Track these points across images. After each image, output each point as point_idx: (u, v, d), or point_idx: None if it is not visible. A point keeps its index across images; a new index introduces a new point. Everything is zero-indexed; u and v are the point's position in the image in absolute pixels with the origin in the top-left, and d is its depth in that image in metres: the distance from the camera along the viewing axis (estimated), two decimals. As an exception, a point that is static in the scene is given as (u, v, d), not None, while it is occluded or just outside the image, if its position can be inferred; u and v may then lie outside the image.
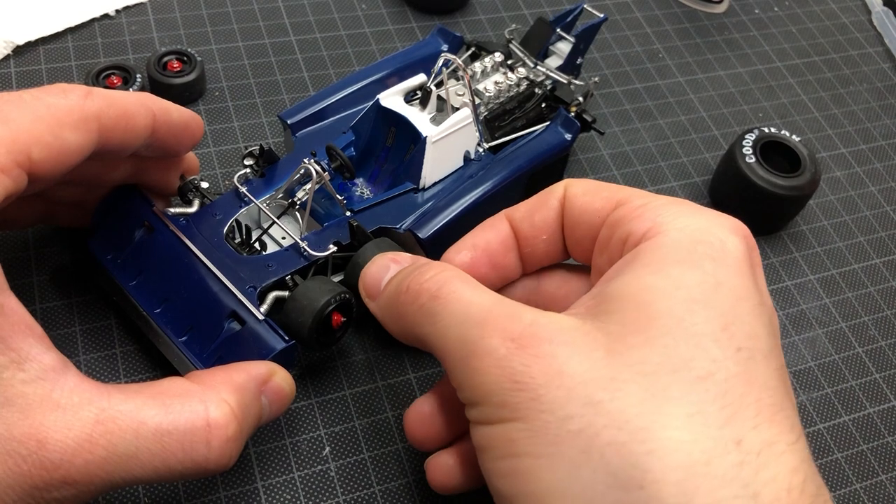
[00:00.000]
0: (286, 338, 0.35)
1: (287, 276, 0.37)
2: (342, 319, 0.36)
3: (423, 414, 0.34)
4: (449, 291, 0.30)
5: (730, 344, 0.27)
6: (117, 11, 0.52)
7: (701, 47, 0.60)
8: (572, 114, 0.46)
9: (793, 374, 0.44)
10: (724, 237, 0.29)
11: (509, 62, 0.48)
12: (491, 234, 0.35)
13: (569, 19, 0.50)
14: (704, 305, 0.27)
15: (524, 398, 0.27)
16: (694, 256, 0.29)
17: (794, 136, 0.49)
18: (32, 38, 0.49)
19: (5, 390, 0.26)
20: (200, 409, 0.29)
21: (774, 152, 0.48)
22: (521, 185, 0.44)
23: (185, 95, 0.48)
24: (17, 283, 0.30)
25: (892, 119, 0.59)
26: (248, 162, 0.41)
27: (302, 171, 0.39)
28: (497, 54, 0.47)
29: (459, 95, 0.43)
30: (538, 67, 0.48)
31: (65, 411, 0.27)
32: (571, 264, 0.36)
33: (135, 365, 0.38)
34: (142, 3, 0.53)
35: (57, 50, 0.50)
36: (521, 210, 0.35)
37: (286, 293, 0.37)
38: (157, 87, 0.47)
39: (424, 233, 0.40)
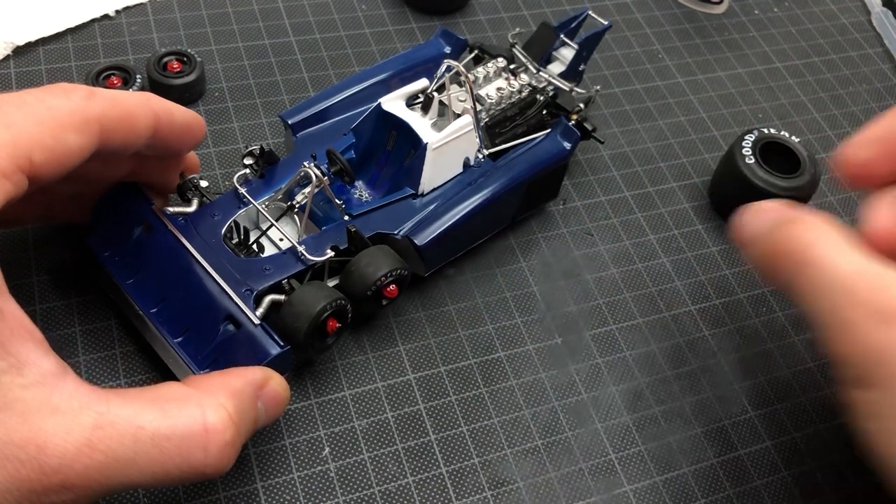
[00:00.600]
0: (281, 343, 0.35)
1: (284, 279, 0.37)
2: (337, 325, 0.37)
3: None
4: (815, 257, 0.31)
5: None
6: (117, 12, 0.52)
7: (700, 48, 0.60)
8: (573, 121, 0.46)
9: (792, 374, 0.44)
10: None
11: (512, 67, 0.47)
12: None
13: (573, 25, 0.50)
14: None
15: (885, 373, 0.28)
16: None
17: (793, 137, 0.49)
18: (32, 38, 0.49)
19: (4, 395, 0.26)
20: (198, 413, 0.29)
21: (774, 153, 0.48)
22: (520, 193, 0.44)
23: (184, 96, 0.48)
24: (17, 283, 0.30)
25: (891, 120, 0.59)
26: (248, 161, 0.41)
27: (302, 174, 0.39)
28: (500, 59, 0.47)
29: (461, 101, 0.43)
30: (540, 73, 0.48)
31: (64, 416, 0.27)
32: None
33: (134, 365, 0.38)
34: (142, 4, 0.53)
35: (57, 50, 0.50)
36: None
37: (282, 297, 0.37)
38: (156, 88, 0.47)
39: (421, 240, 0.40)
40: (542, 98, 0.47)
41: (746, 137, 0.48)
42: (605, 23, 0.50)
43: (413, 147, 0.42)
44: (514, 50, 0.48)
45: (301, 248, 0.38)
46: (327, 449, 0.37)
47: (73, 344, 0.38)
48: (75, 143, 0.30)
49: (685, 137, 0.54)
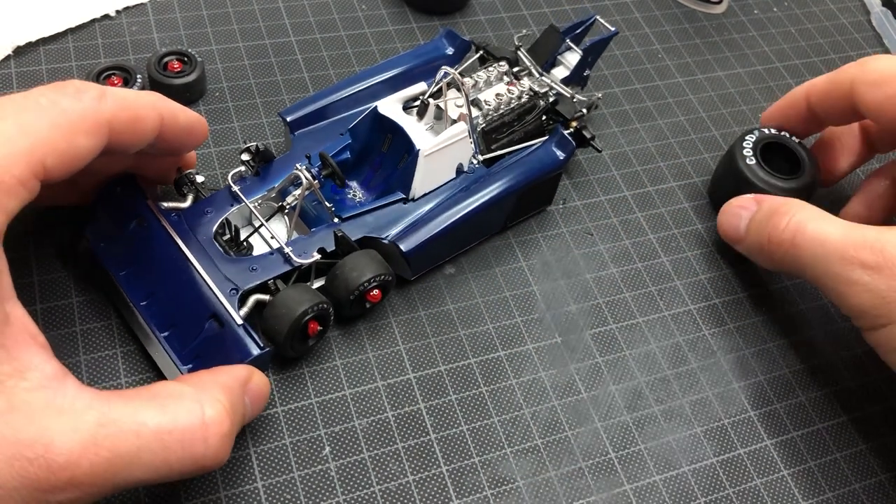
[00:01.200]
0: (261, 344, 0.36)
1: (270, 280, 0.38)
2: (318, 328, 0.38)
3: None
4: (804, 239, 0.39)
5: None
6: (118, 12, 0.52)
7: (700, 48, 0.60)
8: (572, 128, 0.46)
9: (792, 373, 0.44)
10: None
11: (515, 70, 0.47)
12: (787, 105, 0.48)
13: (579, 30, 0.50)
14: None
15: (892, 309, 0.36)
16: None
17: (793, 138, 0.49)
18: (33, 38, 0.49)
19: (10, 397, 0.27)
20: (196, 408, 0.30)
21: (774, 153, 0.48)
22: (511, 201, 0.44)
23: (185, 96, 0.48)
24: (18, 283, 0.30)
25: (891, 119, 0.59)
26: (245, 157, 0.42)
27: (293, 175, 0.40)
28: (501, 63, 0.47)
29: (458, 107, 0.43)
30: (543, 78, 0.47)
31: (69, 416, 0.28)
32: None
33: (134, 365, 0.38)
34: (142, 4, 0.53)
35: (57, 50, 0.50)
36: (818, 88, 0.46)
37: (267, 297, 0.37)
38: (157, 88, 0.47)
39: (407, 245, 0.40)
40: (542, 104, 0.47)
41: (747, 137, 0.48)
42: (613, 29, 0.50)
43: (407, 151, 0.42)
44: (518, 53, 0.48)
45: (288, 250, 0.38)
46: (328, 448, 0.37)
47: (73, 344, 0.38)
48: (86, 146, 0.30)
49: (685, 137, 0.54)
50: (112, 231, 0.38)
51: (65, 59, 0.49)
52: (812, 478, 0.40)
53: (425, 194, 0.42)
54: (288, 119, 0.44)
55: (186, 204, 0.40)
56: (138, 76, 0.47)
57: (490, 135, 0.45)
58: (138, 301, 0.37)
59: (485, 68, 0.47)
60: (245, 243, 0.40)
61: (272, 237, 0.40)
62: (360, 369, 0.40)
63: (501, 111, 0.45)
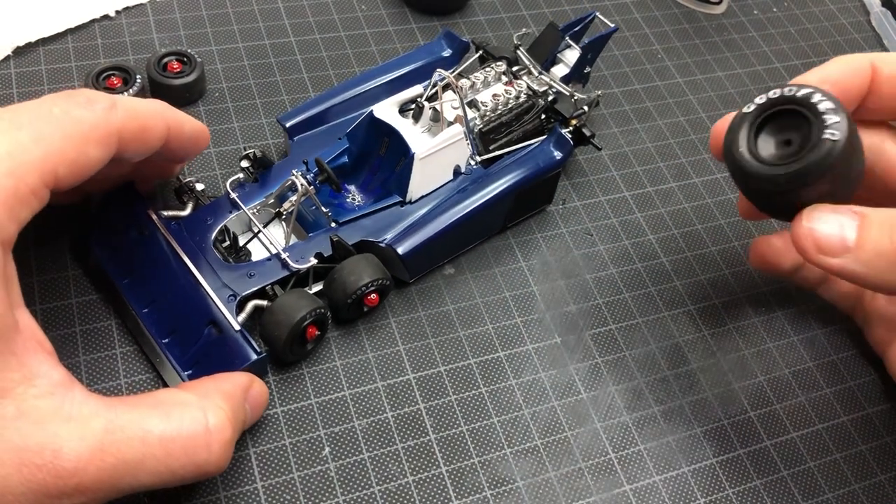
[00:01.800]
0: (258, 350, 0.36)
1: (268, 285, 0.38)
2: (317, 333, 0.38)
3: (773, 245, 0.42)
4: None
5: None
6: (117, 12, 0.52)
7: (700, 48, 0.60)
8: (572, 126, 0.46)
9: (792, 374, 0.44)
10: None
11: (514, 69, 0.47)
12: (845, 72, 0.37)
13: (578, 28, 0.50)
14: None
15: None
16: None
17: (816, 94, 0.47)
18: (32, 38, 0.49)
19: (20, 404, 0.27)
20: (200, 416, 0.31)
21: (786, 123, 0.44)
22: (510, 202, 0.44)
23: (185, 96, 0.48)
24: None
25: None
26: (244, 164, 0.42)
27: (289, 182, 0.40)
28: (499, 63, 0.47)
29: (455, 109, 0.43)
30: (542, 77, 0.47)
31: (76, 423, 0.28)
32: None
33: (134, 365, 0.38)
34: (142, 4, 0.53)
35: (57, 51, 0.50)
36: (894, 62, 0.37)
37: (266, 303, 0.38)
38: (156, 88, 0.47)
39: (403, 249, 0.40)
40: (541, 103, 0.47)
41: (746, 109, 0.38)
42: (612, 26, 0.50)
43: (403, 155, 0.42)
44: (518, 52, 0.48)
45: (285, 255, 0.39)
46: (327, 449, 0.37)
47: (73, 343, 0.38)
48: (96, 156, 0.31)
49: (685, 137, 0.54)
50: (114, 240, 0.39)
51: (64, 59, 0.49)
52: (812, 478, 0.40)
53: (422, 197, 0.42)
54: (287, 125, 0.44)
55: (186, 212, 0.40)
56: (138, 77, 0.47)
57: (488, 135, 0.45)
58: (140, 308, 0.37)
59: (483, 69, 0.47)
60: (244, 249, 0.40)
61: (270, 243, 0.40)
62: (359, 370, 0.40)
63: (499, 111, 0.45)
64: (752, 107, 0.35)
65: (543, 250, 0.46)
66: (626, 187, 0.50)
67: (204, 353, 0.36)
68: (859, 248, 0.34)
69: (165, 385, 0.37)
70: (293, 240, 0.41)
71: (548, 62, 0.48)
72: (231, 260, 0.39)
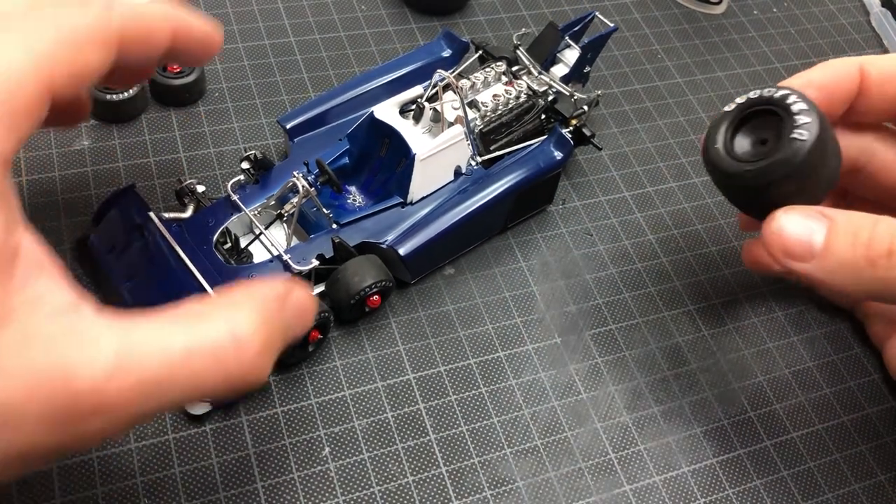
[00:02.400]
0: None
1: None
2: (318, 336, 0.38)
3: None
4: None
5: None
6: (117, 12, 0.52)
7: (700, 48, 0.60)
8: (572, 126, 0.46)
9: (791, 374, 0.44)
10: None
11: (514, 69, 0.47)
12: (833, 76, 0.38)
13: (578, 27, 0.50)
14: None
15: None
16: None
17: (791, 96, 0.47)
18: (32, 39, 0.49)
19: (25, 328, 0.26)
20: (224, 325, 0.29)
21: (762, 123, 0.45)
22: (510, 202, 0.44)
23: (184, 96, 0.48)
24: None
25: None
26: (244, 166, 0.42)
27: (290, 183, 0.40)
28: (500, 63, 0.47)
29: (455, 109, 0.43)
30: (542, 77, 0.47)
31: (88, 343, 0.26)
32: None
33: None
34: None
35: (57, 51, 0.50)
36: (882, 65, 0.38)
37: None
38: (156, 88, 0.47)
39: (405, 250, 0.40)
40: (541, 103, 0.47)
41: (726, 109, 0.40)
42: (612, 25, 0.50)
43: (404, 156, 0.42)
44: (517, 52, 0.48)
45: (287, 257, 0.39)
46: (327, 449, 0.37)
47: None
48: (95, 62, 0.29)
49: (684, 138, 0.54)
50: (115, 242, 0.39)
51: (64, 59, 0.49)
52: (812, 478, 0.40)
53: (423, 198, 0.42)
54: (287, 126, 0.44)
55: (187, 214, 0.40)
56: (138, 77, 0.47)
57: (488, 136, 0.45)
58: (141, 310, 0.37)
59: (483, 69, 0.47)
60: (245, 251, 0.40)
61: (272, 244, 0.40)
62: (359, 370, 0.40)
63: (499, 112, 0.45)
64: (732, 106, 0.36)
65: (543, 250, 0.46)
66: (626, 187, 0.50)
67: None
68: (824, 256, 0.35)
69: None
70: (294, 241, 0.41)
71: (547, 62, 0.48)
72: (233, 262, 0.39)
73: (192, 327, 0.28)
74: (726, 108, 0.37)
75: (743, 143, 0.36)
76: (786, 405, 0.43)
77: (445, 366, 0.41)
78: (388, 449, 0.38)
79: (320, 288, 0.40)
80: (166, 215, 0.40)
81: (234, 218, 0.40)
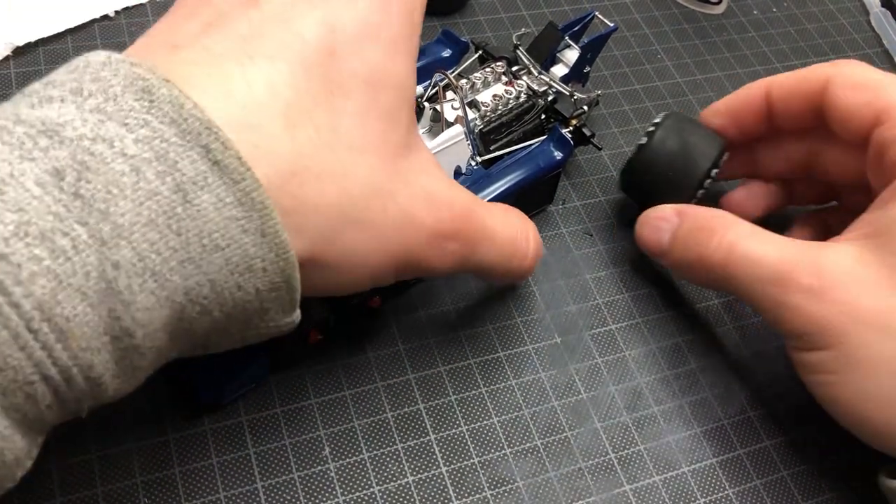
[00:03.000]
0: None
1: None
2: (319, 337, 0.38)
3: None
4: (736, 259, 0.37)
5: None
6: (117, 13, 0.52)
7: (699, 48, 0.60)
8: (572, 126, 0.46)
9: (791, 374, 0.44)
10: None
11: (514, 69, 0.47)
12: (742, 100, 0.44)
13: (578, 27, 0.49)
14: None
15: (828, 335, 0.34)
16: None
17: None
18: (32, 38, 0.49)
19: (421, 160, 0.31)
20: (525, 226, 0.36)
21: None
22: (511, 203, 0.44)
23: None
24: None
25: (890, 120, 0.59)
26: None
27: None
28: (500, 63, 0.47)
29: (455, 109, 0.43)
30: (541, 76, 0.47)
31: (457, 188, 0.33)
32: None
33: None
34: (142, 5, 0.53)
35: (57, 51, 0.50)
36: (782, 84, 0.42)
37: None
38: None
39: None
40: (541, 103, 0.47)
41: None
42: (612, 25, 0.50)
43: None
44: (517, 52, 0.48)
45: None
46: (327, 449, 0.37)
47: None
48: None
49: (684, 138, 0.54)
50: None
51: (64, 59, 0.49)
52: (812, 478, 0.40)
53: None
54: None
55: None
56: (138, 76, 0.47)
57: (488, 136, 0.45)
58: None
59: (482, 69, 0.46)
60: None
61: None
62: (359, 370, 0.40)
63: (500, 112, 0.45)
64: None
65: (543, 250, 0.46)
66: (626, 187, 0.50)
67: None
68: (670, 254, 0.41)
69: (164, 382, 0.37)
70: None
71: (547, 62, 0.48)
72: None
73: (507, 214, 0.36)
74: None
75: None
76: (786, 405, 0.43)
77: (445, 366, 0.41)
78: (388, 449, 0.38)
79: None
80: None
81: None
